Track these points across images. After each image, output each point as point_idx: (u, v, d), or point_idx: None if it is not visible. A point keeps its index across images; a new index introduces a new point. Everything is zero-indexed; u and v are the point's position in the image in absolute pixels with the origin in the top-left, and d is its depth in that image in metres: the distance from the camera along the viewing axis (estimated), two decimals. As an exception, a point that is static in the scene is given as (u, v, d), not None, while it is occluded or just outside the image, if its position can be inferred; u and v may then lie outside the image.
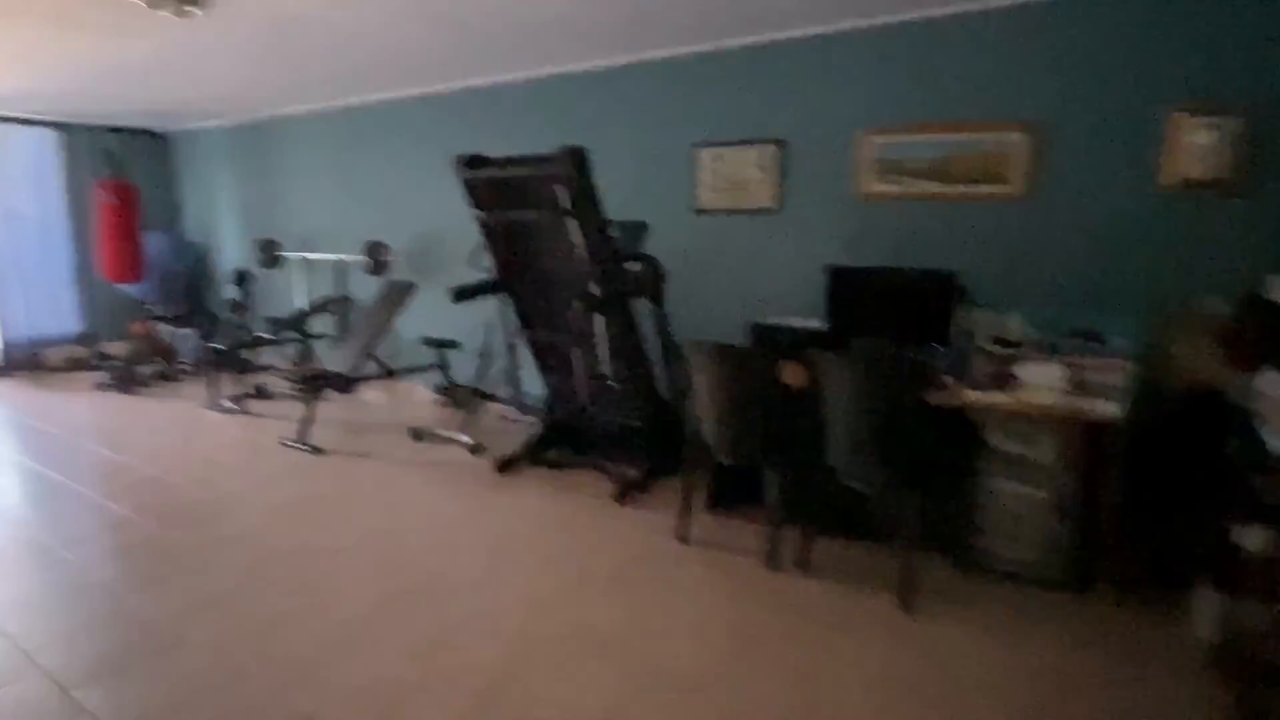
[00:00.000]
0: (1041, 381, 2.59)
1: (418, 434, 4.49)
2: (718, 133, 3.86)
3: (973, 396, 2.65)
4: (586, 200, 3.14)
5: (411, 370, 5.00)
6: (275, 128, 6.24)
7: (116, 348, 6.70)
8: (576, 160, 3.05)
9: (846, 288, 3.19)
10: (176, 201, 7.37)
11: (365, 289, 5.77)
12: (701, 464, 3.11)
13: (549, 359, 3.90)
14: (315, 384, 4.37)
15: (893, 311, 3.09)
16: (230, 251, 6.96)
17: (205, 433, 4.63)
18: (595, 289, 3.34)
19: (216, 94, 5.25)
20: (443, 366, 4.92)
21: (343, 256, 5.77)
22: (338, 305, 5.82)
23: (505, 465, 3.88)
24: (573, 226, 3.24)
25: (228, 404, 5.17)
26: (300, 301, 6.16)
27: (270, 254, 6.24)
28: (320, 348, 6.08)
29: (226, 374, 5.42)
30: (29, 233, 6.49)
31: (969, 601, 2.56)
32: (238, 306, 6.56)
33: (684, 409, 3.77)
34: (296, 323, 5.76)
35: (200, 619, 2.44)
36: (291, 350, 6.24)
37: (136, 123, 6.75)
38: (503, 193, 3.43)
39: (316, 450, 4.21)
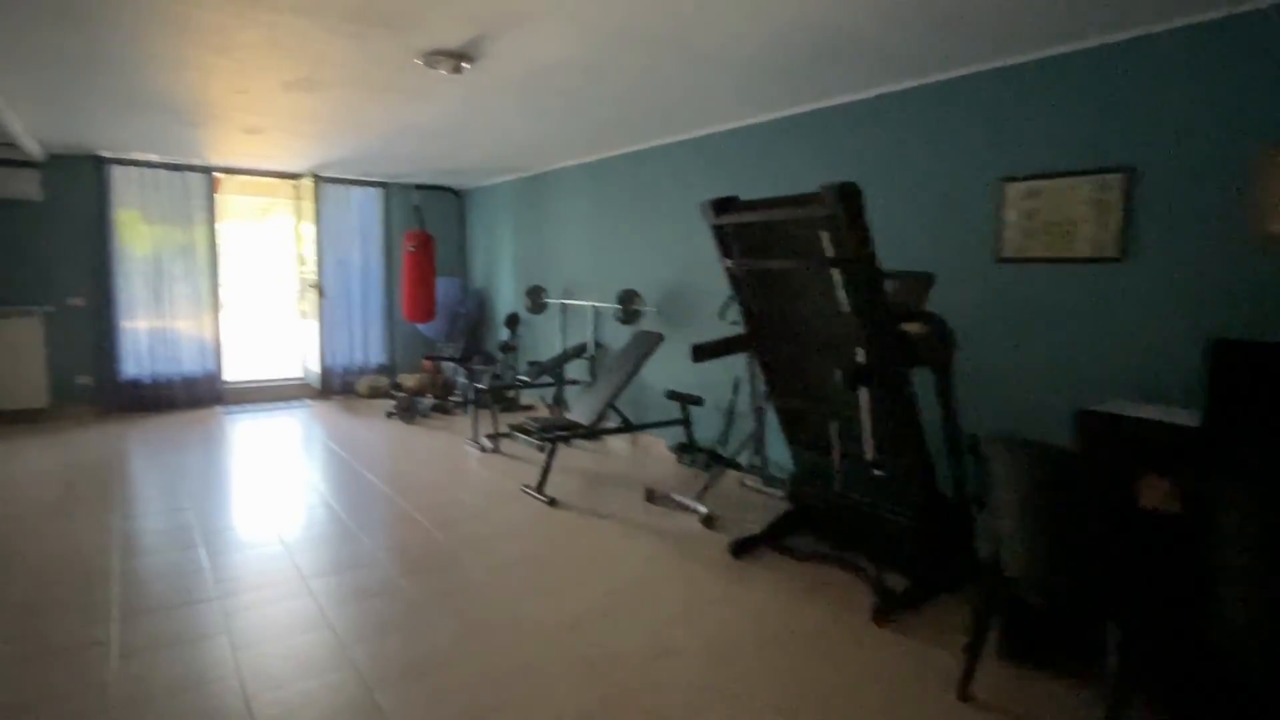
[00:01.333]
0: None
1: (651, 495, 4.18)
2: (1033, 162, 3.06)
3: None
4: (856, 247, 2.57)
5: (652, 425, 4.75)
6: (546, 181, 6.56)
7: (409, 380, 7.48)
8: (846, 199, 2.51)
9: (1244, 371, 2.20)
10: (466, 251, 8.14)
11: (619, 337, 5.71)
12: (996, 594, 2.32)
13: (799, 430, 3.34)
14: (554, 435, 4.28)
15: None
16: (506, 297, 7.45)
17: (459, 470, 4.79)
18: (861, 355, 2.74)
19: (495, 151, 5.60)
20: (685, 423, 4.59)
21: (597, 304, 5.80)
22: (589, 352, 5.84)
23: (741, 548, 3.37)
24: (838, 278, 2.69)
25: (485, 442, 5.36)
26: (559, 347, 6.32)
27: (537, 300, 6.52)
28: (572, 393, 6.15)
29: (490, 411, 5.67)
30: (354, 277, 7.56)
31: None
32: (507, 348, 6.97)
33: (972, 512, 2.97)
34: (551, 367, 5.88)
35: (403, 690, 2.27)
36: (549, 394, 6.43)
37: (439, 181, 7.58)
38: (755, 239, 3.00)
39: (552, 502, 4.09)
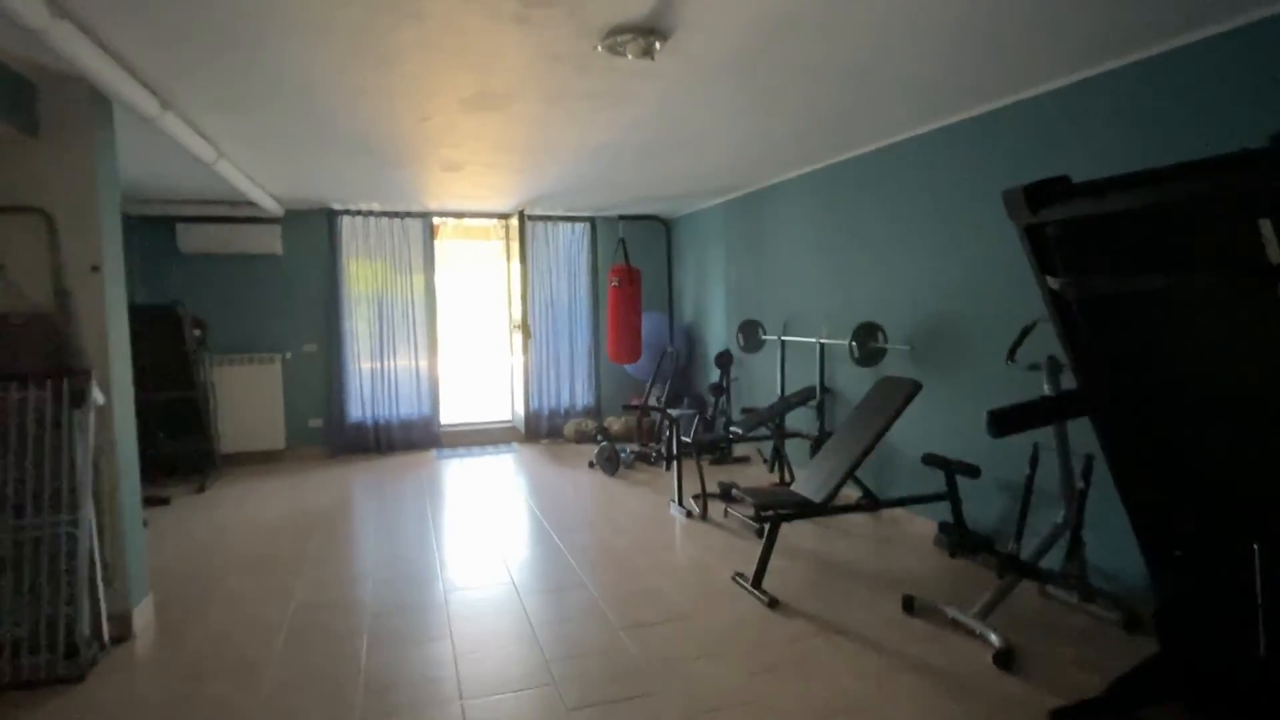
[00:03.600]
0: None
1: (910, 604, 3.06)
2: None
3: None
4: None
5: (905, 501, 3.62)
6: (762, 200, 5.70)
7: (614, 424, 6.96)
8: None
9: None
10: (674, 284, 7.51)
11: (852, 380, 4.65)
12: None
13: (1178, 542, 2.09)
14: (774, 515, 3.34)
15: None
16: (717, 333, 6.67)
17: (660, 544, 4.00)
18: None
19: (703, 167, 4.85)
20: (952, 500, 3.40)
21: (824, 340, 4.78)
22: (815, 400, 4.83)
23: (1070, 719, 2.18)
24: (1291, 300, 1.50)
25: (691, 505, 4.56)
26: (777, 389, 5.37)
27: (751, 337, 5.66)
28: (794, 447, 5.17)
29: (697, 466, 4.87)
30: (560, 317, 7.25)
31: None
32: (717, 391, 6.16)
33: None
34: (770, 417, 4.95)
35: None
36: (766, 446, 5.50)
37: (645, 210, 7.05)
38: (1105, 241, 1.87)
39: (773, 603, 3.14)
